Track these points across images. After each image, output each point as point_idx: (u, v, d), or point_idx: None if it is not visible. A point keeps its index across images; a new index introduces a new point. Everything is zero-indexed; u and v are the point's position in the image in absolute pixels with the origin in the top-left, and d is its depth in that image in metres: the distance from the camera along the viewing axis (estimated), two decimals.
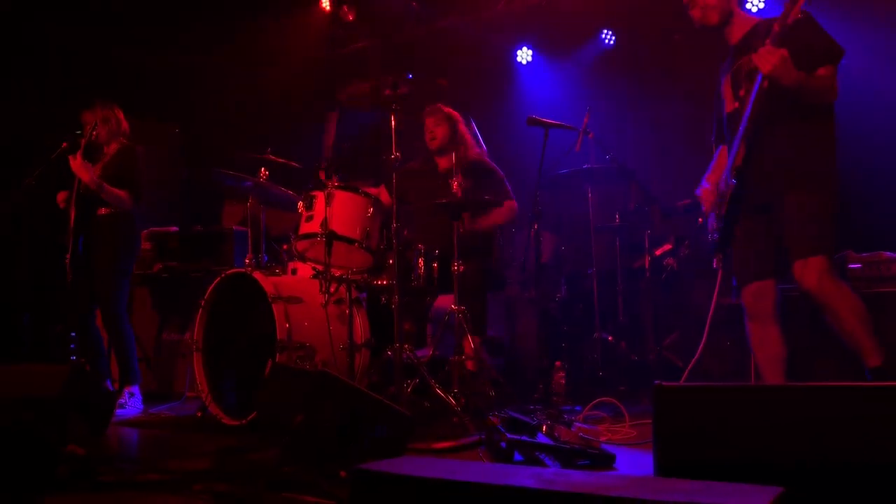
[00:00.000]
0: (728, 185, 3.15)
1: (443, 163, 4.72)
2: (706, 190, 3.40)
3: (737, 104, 3.20)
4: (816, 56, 2.99)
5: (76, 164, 4.51)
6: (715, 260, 3.33)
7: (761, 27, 3.16)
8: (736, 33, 3.30)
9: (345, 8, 6.96)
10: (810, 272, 2.95)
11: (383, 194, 4.60)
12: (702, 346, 3.32)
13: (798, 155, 3.06)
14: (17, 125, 6.14)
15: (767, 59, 2.86)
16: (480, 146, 4.86)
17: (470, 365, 4.09)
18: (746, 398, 2.01)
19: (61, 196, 4.69)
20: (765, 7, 5.92)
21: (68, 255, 4.57)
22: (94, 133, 4.68)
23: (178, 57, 6.88)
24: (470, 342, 4.02)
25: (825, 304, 2.96)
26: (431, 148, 4.73)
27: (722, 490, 1.44)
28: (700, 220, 5.34)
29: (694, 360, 3.28)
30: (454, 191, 4.05)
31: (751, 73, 3.02)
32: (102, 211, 4.67)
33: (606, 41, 6.76)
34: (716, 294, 3.32)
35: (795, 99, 2.98)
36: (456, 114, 4.74)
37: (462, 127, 4.73)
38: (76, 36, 6.43)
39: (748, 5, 5.96)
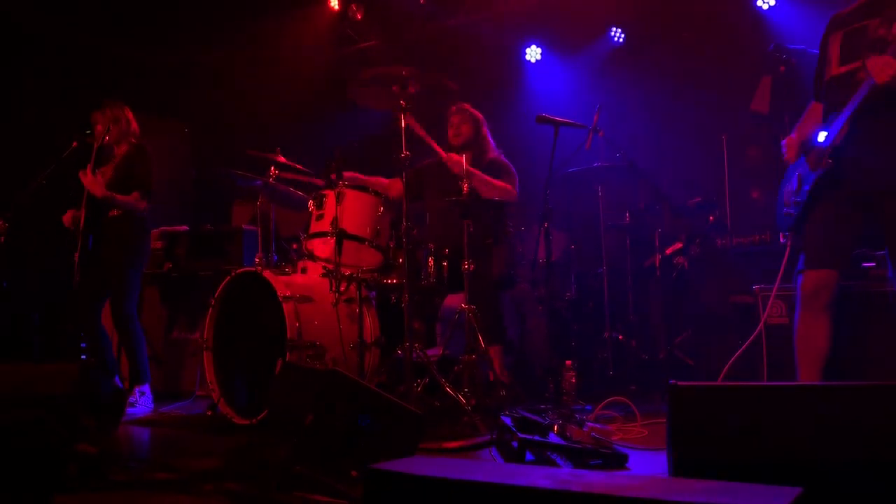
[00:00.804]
0: (821, 163, 3.01)
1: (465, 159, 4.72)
2: (792, 139, 3.26)
3: (842, 70, 3.05)
4: None
5: (87, 180, 4.54)
6: (782, 236, 3.21)
7: None
8: None
9: (353, 7, 6.95)
10: None
11: (395, 185, 4.58)
12: (751, 338, 3.22)
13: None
14: (27, 124, 6.16)
15: (885, 70, 2.76)
16: (497, 148, 4.87)
17: (492, 374, 4.07)
18: (762, 397, 1.99)
19: (67, 217, 4.70)
20: (776, 4, 5.88)
21: (76, 255, 4.58)
22: (106, 137, 4.70)
23: (187, 56, 6.89)
24: (481, 343, 3.99)
25: None
26: (455, 144, 4.72)
27: (740, 491, 1.42)
28: (711, 218, 5.34)
29: (735, 356, 3.21)
30: (464, 192, 4.04)
31: (874, 44, 2.87)
32: (113, 212, 4.68)
33: (616, 39, 6.74)
34: (780, 276, 3.21)
35: None
36: (480, 115, 4.77)
37: (485, 129, 4.77)
38: (86, 35, 6.45)
39: (759, 2, 5.93)
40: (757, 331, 3.32)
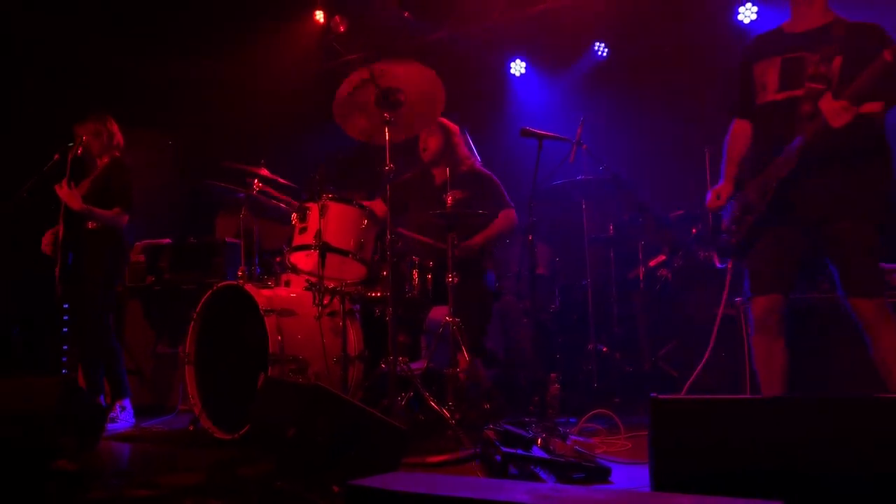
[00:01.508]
0: (766, 191, 3.07)
1: (438, 174, 4.71)
2: (721, 188, 3.33)
3: (779, 97, 3.10)
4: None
5: (63, 192, 4.51)
6: (717, 261, 3.27)
7: (836, 27, 3.03)
8: (809, 19, 3.13)
9: (336, 18, 6.95)
10: (872, 311, 2.95)
11: (378, 206, 4.59)
12: (707, 354, 3.29)
13: (858, 185, 3.01)
14: (12, 136, 6.12)
15: (841, 116, 2.83)
16: (474, 156, 4.85)
17: (463, 377, 4.06)
18: (743, 411, 1.99)
19: (46, 240, 4.67)
20: (757, 19, 5.95)
21: (57, 269, 4.54)
22: (80, 150, 4.67)
23: (172, 68, 6.87)
24: (465, 355, 3.99)
25: (874, 338, 2.97)
26: (424, 160, 4.73)
27: None
28: (694, 230, 5.37)
29: (696, 371, 3.26)
30: (448, 205, 4.04)
31: (816, 76, 2.95)
32: (91, 225, 4.65)
33: (599, 53, 6.78)
34: (724, 300, 3.28)
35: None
36: (451, 125, 4.72)
37: (456, 139, 4.70)
38: (71, 46, 6.42)
39: (740, 16, 5.99)
40: (711, 344, 3.35)
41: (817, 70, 2.98)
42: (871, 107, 2.91)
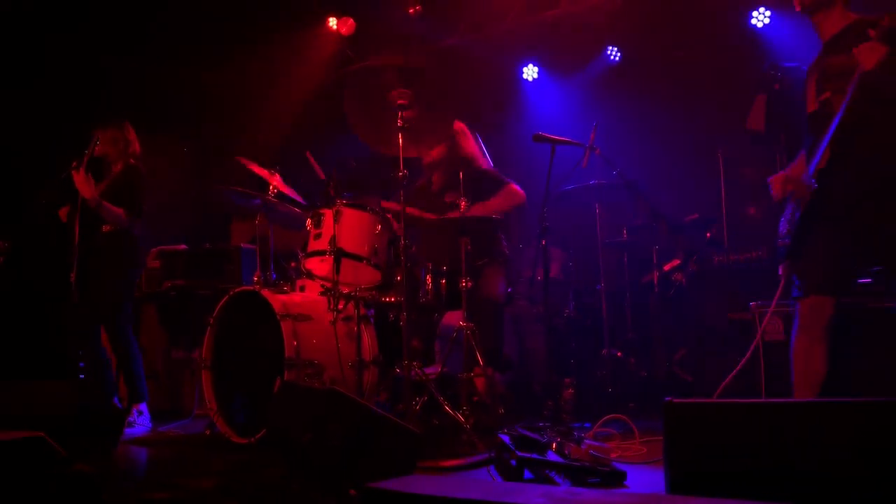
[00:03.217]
0: (809, 187, 3.03)
1: (437, 180, 4.72)
2: (777, 176, 3.29)
3: (817, 104, 3.10)
4: None
5: (79, 178, 4.52)
6: (781, 267, 3.23)
7: (858, 26, 3.01)
8: (829, 28, 3.14)
9: (350, 20, 6.98)
10: None
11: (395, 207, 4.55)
12: (747, 355, 3.25)
13: (878, 170, 2.96)
14: (30, 144, 6.19)
15: (871, 54, 2.76)
16: (486, 159, 4.84)
17: (481, 386, 4.06)
18: (758, 414, 1.99)
19: (64, 210, 4.72)
20: (770, 23, 5.94)
21: (73, 274, 4.59)
22: (98, 148, 4.71)
23: (188, 75, 6.92)
24: (480, 361, 3.99)
25: None
26: (425, 163, 4.72)
27: None
28: (708, 234, 5.36)
29: (731, 374, 3.22)
30: (461, 209, 4.05)
31: (843, 72, 2.92)
32: (105, 229, 4.69)
33: (612, 57, 6.78)
34: (773, 303, 3.23)
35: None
36: (456, 127, 4.65)
37: (462, 141, 4.66)
38: (88, 53, 6.49)
39: (753, 20, 5.98)
40: (752, 347, 3.32)
41: (842, 65, 2.94)
42: None
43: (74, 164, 4.73)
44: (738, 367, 3.30)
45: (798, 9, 3.19)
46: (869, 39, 2.83)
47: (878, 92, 2.85)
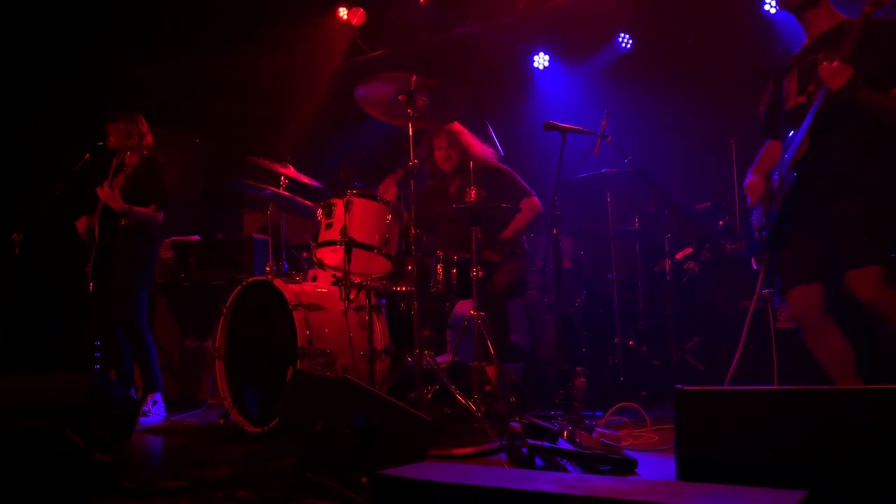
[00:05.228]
0: (786, 179, 3.02)
1: (452, 183, 4.71)
2: (753, 182, 3.30)
3: (800, 100, 3.09)
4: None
5: (105, 194, 4.61)
6: (753, 259, 3.23)
7: (845, 27, 3.00)
8: (817, 25, 3.14)
9: (360, 10, 6.98)
10: (866, 283, 2.83)
11: (390, 191, 4.55)
12: (740, 349, 3.26)
13: (856, 159, 2.95)
14: (43, 136, 6.24)
15: (834, 77, 2.77)
16: (497, 150, 4.83)
17: (492, 374, 4.07)
18: (768, 401, 1.99)
19: (81, 223, 4.76)
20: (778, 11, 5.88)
21: (90, 266, 4.63)
22: (111, 140, 4.76)
23: (199, 68, 6.95)
24: (491, 350, 3.99)
25: (882, 315, 2.84)
26: (446, 169, 4.70)
27: (745, 494, 1.43)
28: (721, 222, 5.34)
29: (734, 364, 3.22)
30: (472, 197, 4.04)
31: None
32: (123, 222, 4.73)
33: (623, 45, 6.75)
34: (756, 296, 3.23)
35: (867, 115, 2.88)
36: (455, 126, 4.62)
37: (469, 139, 4.64)
38: (101, 48, 6.53)
39: (766, 6, 5.92)
40: (744, 335, 3.32)
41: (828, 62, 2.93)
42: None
43: (88, 156, 4.78)
44: (738, 353, 3.29)
45: (782, 7, 3.20)
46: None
47: (848, 106, 2.86)
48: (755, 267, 3.25)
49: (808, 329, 3.08)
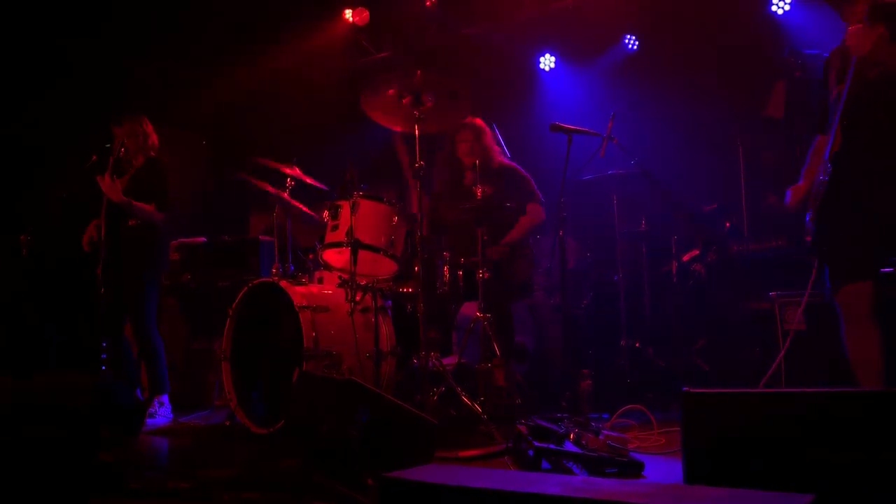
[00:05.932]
0: (826, 173, 2.98)
1: (469, 176, 4.72)
2: (798, 186, 3.26)
3: (837, 89, 3.05)
4: None
5: (105, 184, 4.60)
6: (815, 262, 3.19)
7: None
8: (854, 16, 3.02)
9: (364, 11, 6.98)
10: None
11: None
12: (781, 354, 3.22)
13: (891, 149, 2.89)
14: (50, 139, 6.25)
15: (861, 41, 2.71)
16: (504, 152, 4.85)
17: (498, 376, 4.06)
18: (776, 404, 1.98)
19: (86, 240, 4.77)
20: (790, 10, 5.86)
21: (99, 268, 4.64)
22: (122, 150, 4.77)
23: (205, 70, 6.96)
24: (497, 352, 3.99)
25: None
26: (468, 162, 4.70)
27: (752, 498, 1.42)
28: (728, 224, 5.32)
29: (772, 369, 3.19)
30: (478, 197, 4.05)
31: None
32: (131, 223, 4.74)
33: (630, 46, 6.73)
34: (806, 296, 3.19)
35: None
36: (482, 124, 4.70)
37: (486, 137, 4.70)
38: (107, 48, 6.54)
39: (774, 7, 5.90)
40: (790, 337, 3.29)
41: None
42: None
43: (95, 158, 4.78)
44: (780, 357, 3.26)
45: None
46: None
47: (882, 73, 2.79)
48: (814, 267, 3.20)
49: (851, 320, 3.02)
